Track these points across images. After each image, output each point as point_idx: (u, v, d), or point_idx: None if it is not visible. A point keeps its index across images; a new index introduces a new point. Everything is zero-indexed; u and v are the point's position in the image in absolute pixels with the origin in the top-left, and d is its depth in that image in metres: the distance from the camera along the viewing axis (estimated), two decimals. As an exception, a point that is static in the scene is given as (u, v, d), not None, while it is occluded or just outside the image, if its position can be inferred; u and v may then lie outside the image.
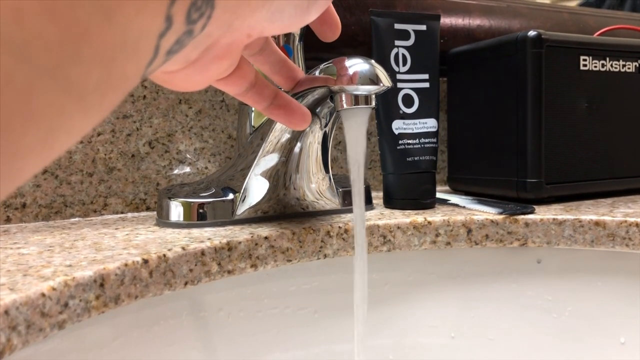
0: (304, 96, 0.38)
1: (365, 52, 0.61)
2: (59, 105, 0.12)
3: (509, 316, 0.48)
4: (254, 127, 0.48)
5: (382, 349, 0.47)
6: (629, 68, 0.58)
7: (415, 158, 0.50)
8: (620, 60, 0.57)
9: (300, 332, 0.44)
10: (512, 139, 0.54)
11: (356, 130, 0.38)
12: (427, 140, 0.51)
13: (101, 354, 0.33)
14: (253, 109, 0.48)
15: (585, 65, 0.55)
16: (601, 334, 0.47)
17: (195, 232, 0.41)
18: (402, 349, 0.47)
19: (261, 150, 0.42)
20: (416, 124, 0.51)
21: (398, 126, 0.50)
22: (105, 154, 0.52)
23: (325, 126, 0.44)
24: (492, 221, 0.46)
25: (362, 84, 0.36)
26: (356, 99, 0.37)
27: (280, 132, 0.41)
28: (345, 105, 0.37)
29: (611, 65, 0.57)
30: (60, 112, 0.12)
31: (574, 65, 0.55)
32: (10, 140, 0.12)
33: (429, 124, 0.51)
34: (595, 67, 0.56)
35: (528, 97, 0.52)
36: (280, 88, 0.35)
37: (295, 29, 0.31)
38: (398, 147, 0.50)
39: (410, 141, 0.50)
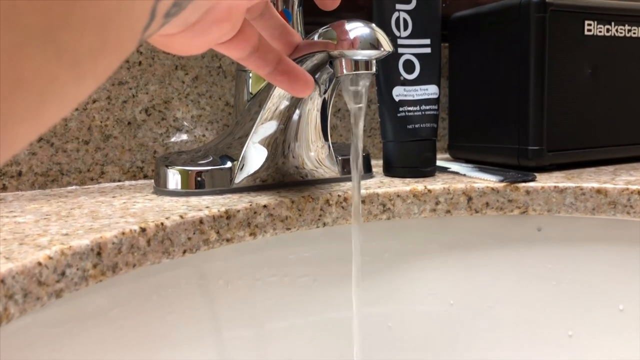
0: (302, 62, 0.37)
1: (365, 17, 0.59)
2: (50, 72, 0.12)
3: (508, 284, 0.48)
4: (251, 93, 0.47)
5: (381, 316, 0.47)
6: (634, 33, 0.57)
7: (416, 125, 0.50)
8: (626, 25, 0.56)
9: (300, 300, 0.44)
10: (514, 105, 0.53)
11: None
12: (427, 107, 0.50)
13: (100, 323, 0.33)
14: (250, 75, 0.47)
15: (589, 30, 0.54)
16: (600, 301, 0.47)
17: (194, 200, 0.41)
18: (401, 317, 0.47)
19: (259, 118, 0.42)
20: (417, 90, 0.50)
21: (398, 93, 0.50)
22: (101, 122, 0.51)
23: (325, 93, 0.43)
24: (492, 189, 0.46)
25: (363, 49, 0.35)
26: (356, 65, 0.36)
27: (278, 99, 0.41)
28: (345, 71, 0.36)
29: (616, 30, 0.56)
30: (51, 78, 0.12)
31: (578, 30, 0.54)
32: None
33: (430, 91, 0.50)
34: (600, 32, 0.55)
35: (531, 63, 0.51)
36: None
37: None
38: (398, 115, 0.50)
39: (410, 108, 0.50)
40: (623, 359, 0.47)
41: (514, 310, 0.48)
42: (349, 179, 0.47)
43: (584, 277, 0.47)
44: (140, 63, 0.52)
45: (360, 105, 0.37)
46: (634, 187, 0.45)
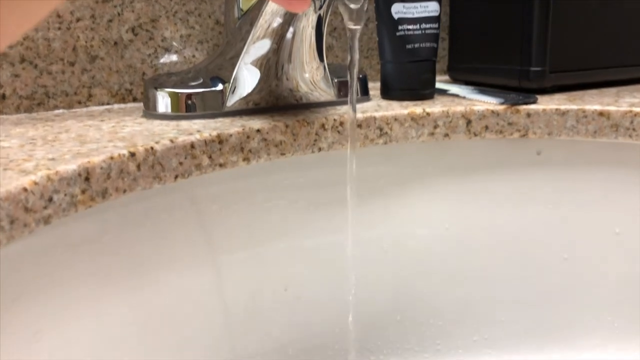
0: (296, -25, 0.34)
1: None
2: None
3: (505, 208, 0.48)
4: (242, 10, 0.45)
5: (377, 239, 0.47)
6: (648, -55, 0.53)
7: (415, 45, 0.48)
8: (640, -63, 0.53)
9: (295, 223, 0.44)
10: (517, 24, 0.51)
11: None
12: (428, 26, 0.48)
13: (92, 249, 0.32)
14: (241, -9, 0.45)
15: (601, -57, 0.51)
16: (596, 224, 0.47)
17: (184, 124, 0.40)
18: (396, 240, 0.47)
19: (250, 37, 0.40)
20: (417, 7, 0.47)
21: (397, 10, 0.47)
22: (86, 42, 0.49)
23: (320, 9, 0.41)
24: (492, 112, 0.45)
25: (360, -40, 0.33)
26: (353, -22, 0.34)
27: (270, 16, 0.38)
28: (341, -15, 0.34)
29: (629, -58, 0.53)
30: None
31: (589, -58, 0.51)
32: None
33: (431, 8, 0.48)
34: (612, -56, 0.52)
35: (537, -21, 0.49)
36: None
37: None
38: (397, 34, 0.47)
39: (410, 27, 0.47)
40: (617, 282, 0.47)
41: (510, 234, 0.48)
42: (345, 102, 0.46)
43: (582, 201, 0.47)
44: (124, -22, 0.49)
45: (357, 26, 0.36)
46: (637, 110, 0.44)
